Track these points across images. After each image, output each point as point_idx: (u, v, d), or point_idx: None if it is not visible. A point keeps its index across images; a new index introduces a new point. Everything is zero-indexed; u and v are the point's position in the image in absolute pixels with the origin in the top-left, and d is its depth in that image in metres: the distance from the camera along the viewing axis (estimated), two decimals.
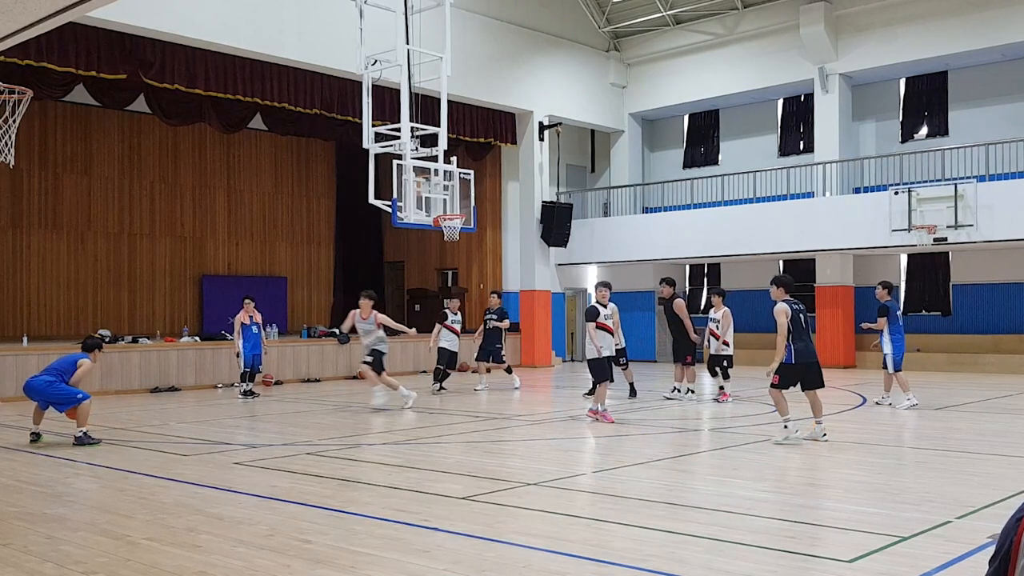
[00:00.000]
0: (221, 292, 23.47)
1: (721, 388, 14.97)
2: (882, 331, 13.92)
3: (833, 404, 14.97)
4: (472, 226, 17.43)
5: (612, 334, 12.61)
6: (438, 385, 16.94)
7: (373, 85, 16.51)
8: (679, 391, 15.26)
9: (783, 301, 10.27)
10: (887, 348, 13.86)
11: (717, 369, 15.03)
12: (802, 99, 25.06)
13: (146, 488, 7.91)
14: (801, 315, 10.28)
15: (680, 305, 15.21)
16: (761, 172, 23.92)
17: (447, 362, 17.02)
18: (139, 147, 23.33)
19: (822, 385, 10.43)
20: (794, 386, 10.37)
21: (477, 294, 25.20)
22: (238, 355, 16.26)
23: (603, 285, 12.65)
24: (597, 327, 12.11)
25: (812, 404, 10.41)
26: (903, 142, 23.54)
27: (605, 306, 12.36)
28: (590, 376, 12.67)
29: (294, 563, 5.46)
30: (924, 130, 23.49)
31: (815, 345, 10.71)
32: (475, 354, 18.14)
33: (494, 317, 17.50)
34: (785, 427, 10.18)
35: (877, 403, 14.22)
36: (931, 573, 5.21)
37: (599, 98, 26.32)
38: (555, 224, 24.66)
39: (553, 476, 8.39)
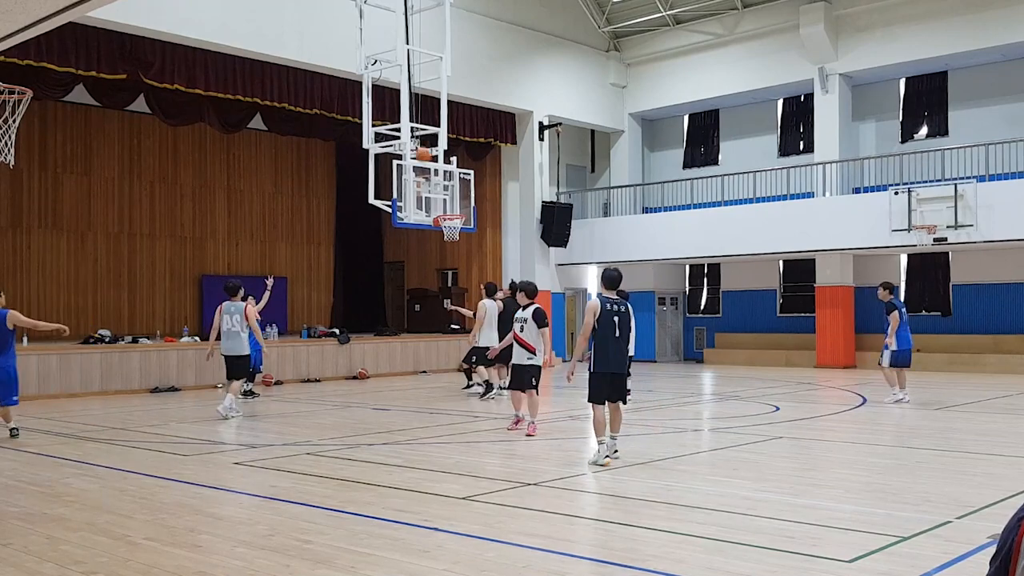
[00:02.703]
0: (221, 292, 23.36)
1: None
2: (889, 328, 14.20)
3: (834, 404, 14.98)
4: (472, 226, 17.41)
5: (518, 340, 11.03)
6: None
7: (373, 85, 16.51)
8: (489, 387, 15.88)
9: (599, 297, 9.10)
10: (892, 344, 14.14)
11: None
12: (802, 99, 25.06)
13: (146, 488, 7.91)
14: (616, 317, 8.95)
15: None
16: (761, 172, 23.93)
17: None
18: (139, 147, 23.31)
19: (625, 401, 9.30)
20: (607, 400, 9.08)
21: (477, 294, 25.19)
22: None
23: (518, 287, 11.54)
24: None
25: (611, 418, 9.18)
26: (903, 142, 23.53)
27: (523, 308, 11.18)
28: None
29: (294, 563, 5.46)
30: (924, 130, 23.49)
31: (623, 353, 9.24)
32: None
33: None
34: (597, 449, 9.04)
35: (898, 401, 14.23)
36: (931, 573, 5.21)
37: (599, 98, 26.32)
38: (555, 224, 24.66)
39: (553, 476, 8.39)
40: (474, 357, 15.67)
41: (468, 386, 16.89)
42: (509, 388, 11.71)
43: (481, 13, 22.81)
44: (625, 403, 9.30)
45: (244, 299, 16.16)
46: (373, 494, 7.55)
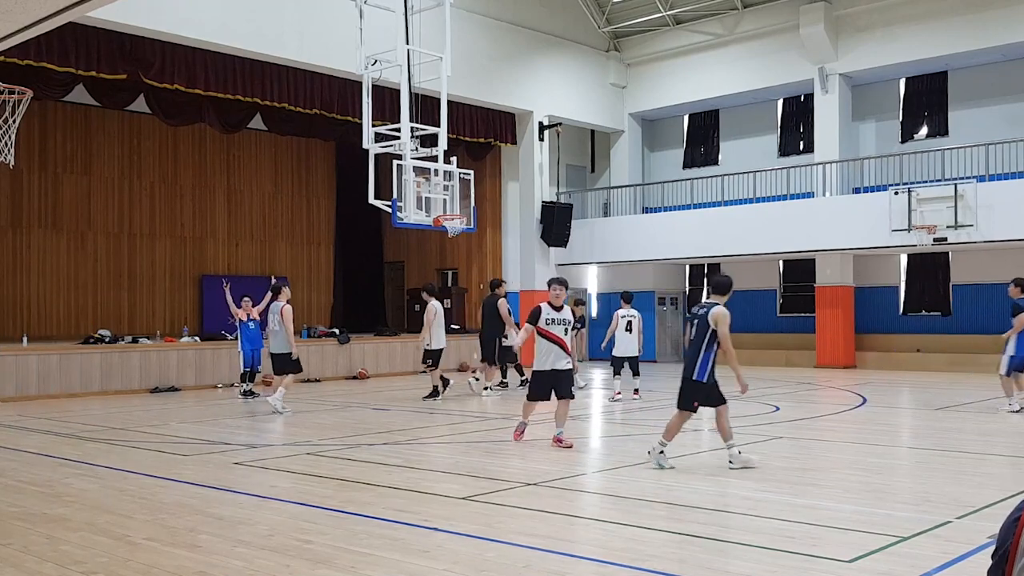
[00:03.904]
0: (221, 292, 23.43)
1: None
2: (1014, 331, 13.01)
3: (834, 404, 14.98)
4: (472, 226, 17.41)
5: (561, 344, 9.94)
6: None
7: (373, 85, 16.51)
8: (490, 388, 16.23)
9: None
10: (1011, 349, 13.02)
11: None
12: (802, 99, 25.06)
13: (146, 488, 7.91)
14: (695, 320, 8.71)
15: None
16: (761, 172, 23.92)
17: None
18: (139, 147, 23.31)
19: (683, 407, 8.78)
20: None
21: (477, 294, 25.21)
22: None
23: (557, 283, 10.16)
24: (538, 332, 9.94)
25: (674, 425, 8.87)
26: (903, 142, 23.53)
27: (558, 308, 10.00)
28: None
29: (294, 563, 5.46)
30: (924, 130, 23.49)
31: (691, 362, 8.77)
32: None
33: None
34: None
35: (1008, 411, 13.12)
36: (931, 573, 5.21)
37: (599, 98, 26.32)
38: (555, 224, 24.66)
39: (553, 476, 8.38)
40: (430, 360, 15.39)
41: (503, 383, 17.03)
42: (537, 398, 10.19)
43: (481, 13, 22.81)
44: (687, 409, 8.68)
45: (241, 300, 16.37)
46: (373, 494, 7.55)
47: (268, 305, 16.63)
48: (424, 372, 15.45)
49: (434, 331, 15.18)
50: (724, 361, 8.69)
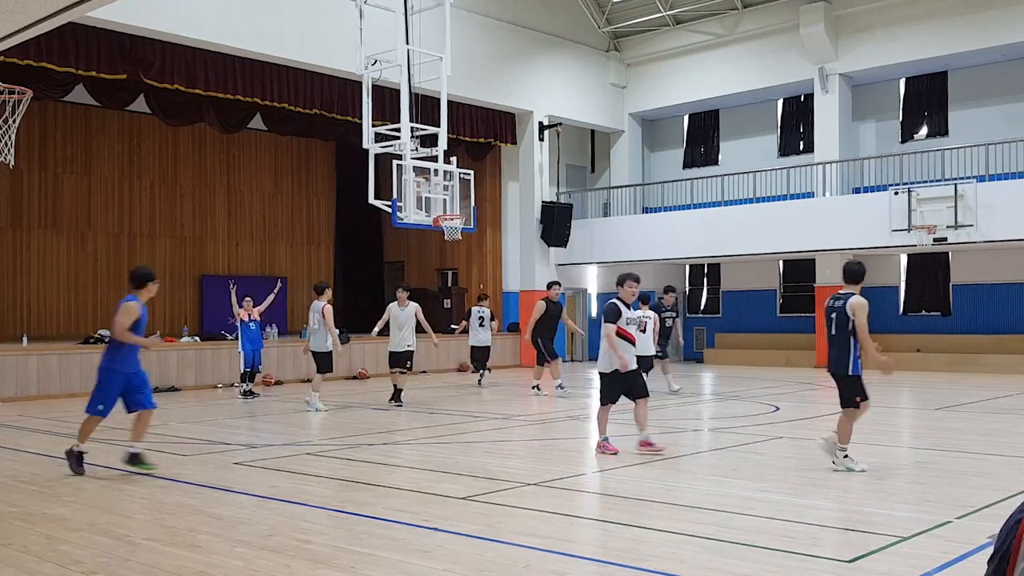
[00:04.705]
0: (221, 292, 23.43)
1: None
2: None
3: (834, 404, 14.95)
4: (472, 226, 17.42)
5: (635, 344, 9.64)
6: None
7: (373, 85, 16.51)
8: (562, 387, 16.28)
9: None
10: None
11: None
12: (802, 99, 25.06)
13: (146, 488, 7.92)
14: (834, 314, 8.44)
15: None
16: (761, 172, 23.92)
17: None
18: (139, 147, 23.31)
19: (846, 406, 8.54)
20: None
21: (477, 294, 25.19)
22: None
23: (632, 279, 9.72)
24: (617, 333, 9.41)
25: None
26: (903, 142, 23.53)
27: (629, 306, 9.61)
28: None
29: (294, 563, 5.46)
30: (924, 130, 23.49)
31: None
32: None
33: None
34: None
35: None
36: (931, 573, 5.21)
37: (599, 98, 26.32)
38: (555, 224, 24.66)
39: (553, 476, 8.38)
40: (408, 362, 15.24)
41: (480, 381, 17.54)
42: (612, 401, 9.57)
43: (481, 13, 22.81)
44: (851, 407, 8.43)
45: (242, 301, 16.38)
46: (373, 494, 7.55)
47: (269, 306, 16.73)
48: (404, 372, 15.26)
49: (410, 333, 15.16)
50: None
